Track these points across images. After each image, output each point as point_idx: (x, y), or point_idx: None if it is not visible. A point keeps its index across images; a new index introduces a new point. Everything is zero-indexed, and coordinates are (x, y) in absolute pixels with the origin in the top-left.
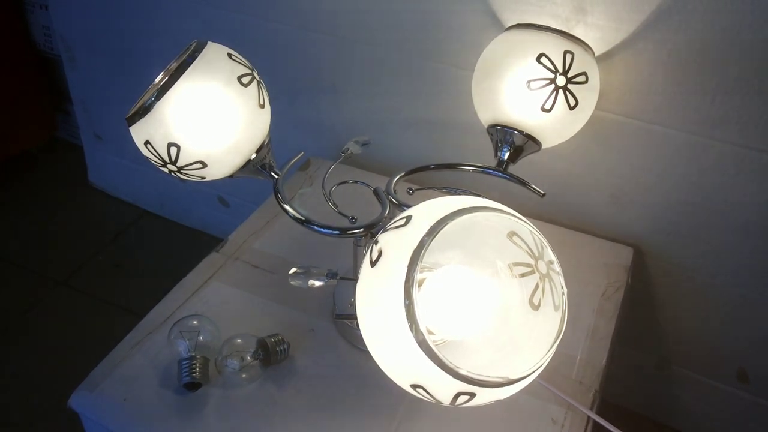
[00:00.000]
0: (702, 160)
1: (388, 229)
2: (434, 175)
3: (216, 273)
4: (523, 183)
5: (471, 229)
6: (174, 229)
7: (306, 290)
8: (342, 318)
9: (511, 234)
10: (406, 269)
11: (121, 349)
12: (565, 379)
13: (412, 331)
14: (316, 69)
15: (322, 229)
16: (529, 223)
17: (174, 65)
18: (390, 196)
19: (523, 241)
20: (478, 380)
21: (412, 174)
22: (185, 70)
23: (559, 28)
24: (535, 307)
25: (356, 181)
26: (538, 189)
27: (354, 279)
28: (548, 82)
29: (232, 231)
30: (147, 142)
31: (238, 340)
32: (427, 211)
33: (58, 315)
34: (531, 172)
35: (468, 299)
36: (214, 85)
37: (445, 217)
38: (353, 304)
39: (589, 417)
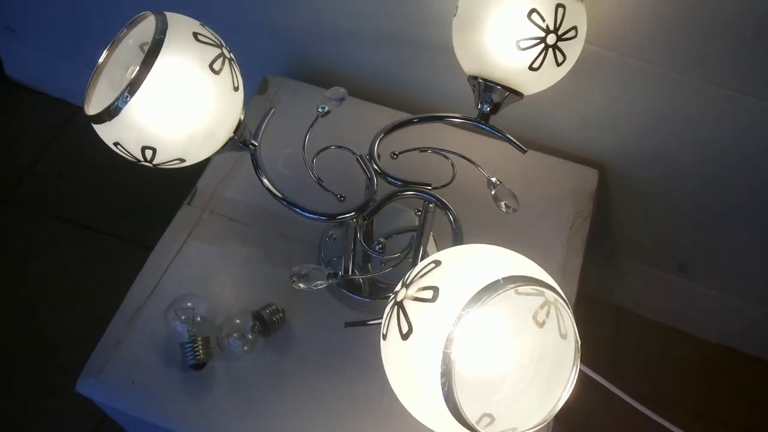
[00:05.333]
0: (676, 95)
1: (416, 298)
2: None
3: (193, 230)
4: (505, 138)
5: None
6: None
7: (289, 245)
8: (353, 325)
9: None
10: (441, 354)
11: (113, 328)
12: None
13: (450, 410)
14: None
15: (309, 215)
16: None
17: (126, 45)
18: (375, 164)
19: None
20: None
21: (395, 129)
22: (152, 64)
23: None
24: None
25: (339, 146)
26: (521, 145)
27: (355, 277)
28: (539, 41)
29: None
30: (117, 143)
31: (237, 320)
32: (454, 283)
33: (15, 240)
34: None
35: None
36: (186, 79)
37: (474, 298)
38: (339, 260)
39: None
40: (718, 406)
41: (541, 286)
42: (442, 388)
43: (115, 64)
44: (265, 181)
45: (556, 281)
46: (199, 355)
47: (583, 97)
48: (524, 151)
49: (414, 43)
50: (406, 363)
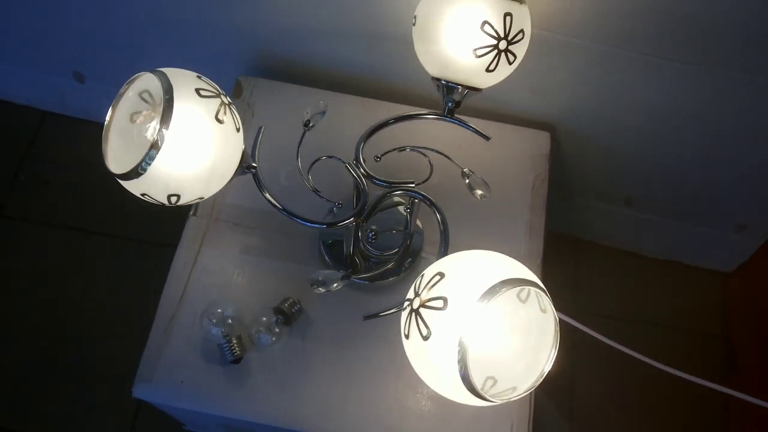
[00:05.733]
0: (612, 65)
1: (429, 307)
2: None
3: (204, 239)
4: (470, 128)
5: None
6: (88, 127)
7: (292, 241)
8: (370, 318)
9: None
10: (458, 357)
11: (154, 338)
12: None
13: (469, 390)
14: None
15: (311, 224)
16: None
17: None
18: (362, 169)
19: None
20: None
21: (376, 131)
22: (168, 125)
23: None
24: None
25: (330, 156)
26: (484, 133)
27: (364, 275)
28: (492, 48)
29: None
30: (144, 194)
31: (263, 318)
32: (459, 292)
33: (14, 253)
34: None
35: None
36: (197, 133)
37: (477, 302)
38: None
39: None
40: (672, 313)
41: (526, 284)
42: (460, 372)
43: (119, 115)
44: (268, 196)
45: (523, 241)
46: (236, 352)
47: (532, 72)
48: (488, 139)
49: (374, 35)
50: (428, 357)
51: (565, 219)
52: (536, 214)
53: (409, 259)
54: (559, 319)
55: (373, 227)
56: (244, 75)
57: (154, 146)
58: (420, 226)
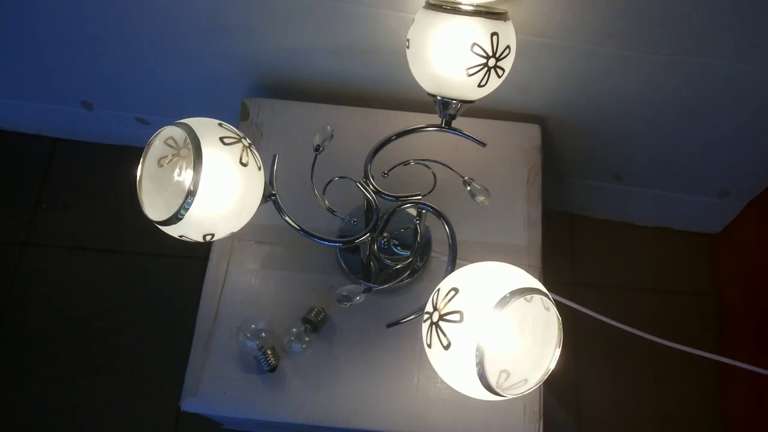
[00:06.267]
0: (593, 61)
1: (447, 320)
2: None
3: (230, 259)
4: (467, 136)
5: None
6: (98, 150)
7: (311, 253)
8: (393, 325)
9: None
10: (476, 360)
11: (195, 355)
12: (520, 267)
13: (488, 390)
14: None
15: (329, 243)
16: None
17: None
18: (372, 185)
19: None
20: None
21: (381, 148)
22: (199, 176)
23: (475, 3)
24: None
25: (342, 177)
26: (482, 141)
27: (382, 287)
28: (482, 66)
29: None
30: (182, 236)
31: (294, 329)
32: (473, 305)
33: (44, 278)
34: None
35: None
36: (225, 178)
37: (490, 314)
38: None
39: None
40: (665, 277)
41: (531, 293)
42: (478, 374)
43: (149, 162)
44: (288, 218)
45: (523, 232)
46: (271, 362)
47: (520, 73)
48: (484, 146)
49: (370, 49)
50: (449, 363)
51: (559, 198)
52: (533, 205)
53: (421, 261)
54: (560, 301)
55: (385, 235)
56: (249, 97)
57: (190, 194)
58: (427, 225)
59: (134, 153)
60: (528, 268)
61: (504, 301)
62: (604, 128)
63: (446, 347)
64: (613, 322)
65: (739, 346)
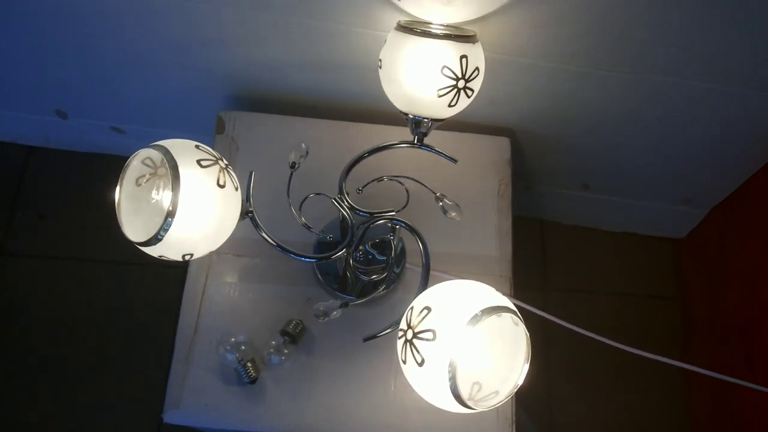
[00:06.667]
0: (557, 78)
1: (420, 338)
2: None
3: (209, 272)
4: (439, 153)
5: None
6: (75, 159)
7: (288, 265)
8: (370, 339)
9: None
10: (448, 375)
11: (176, 367)
12: (490, 278)
13: (461, 404)
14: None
15: (305, 259)
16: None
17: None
18: (347, 202)
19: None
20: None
21: (354, 164)
22: (177, 198)
23: (445, 24)
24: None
25: (318, 194)
26: (453, 157)
27: (357, 301)
28: (452, 88)
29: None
30: (161, 256)
31: (273, 341)
32: (445, 324)
33: (20, 287)
34: None
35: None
36: (203, 200)
37: (461, 332)
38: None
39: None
40: (632, 281)
41: (501, 311)
42: (451, 389)
43: (127, 182)
44: (264, 235)
45: (494, 243)
46: (251, 374)
47: (489, 88)
48: (455, 162)
49: (344, 65)
50: (423, 378)
51: (529, 205)
52: (504, 216)
53: (396, 271)
54: (529, 311)
55: (360, 248)
56: (224, 110)
57: (170, 215)
58: (401, 237)
59: (110, 161)
60: (499, 278)
61: (475, 320)
62: (572, 140)
63: (420, 364)
64: (581, 331)
65: (704, 348)
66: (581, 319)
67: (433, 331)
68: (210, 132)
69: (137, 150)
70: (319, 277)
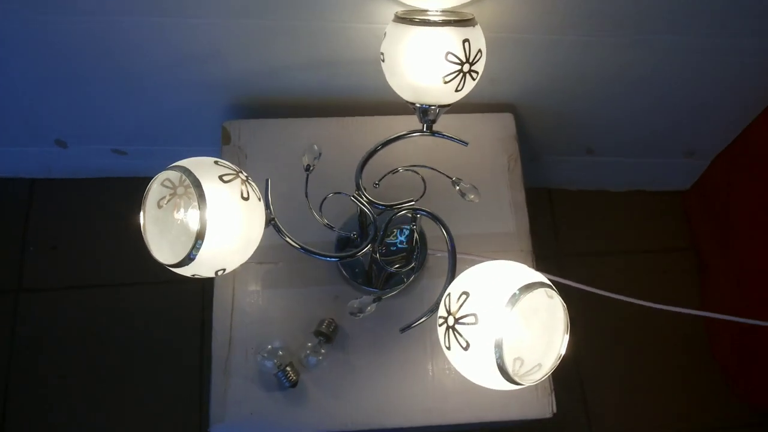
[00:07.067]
0: (557, 49)
1: (463, 323)
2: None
3: (235, 283)
4: (450, 138)
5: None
6: (79, 186)
7: (311, 267)
8: (406, 329)
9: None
10: (495, 356)
11: (216, 381)
12: (511, 254)
13: (509, 381)
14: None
15: (331, 259)
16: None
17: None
18: (365, 197)
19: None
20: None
21: (368, 159)
22: (205, 216)
23: (441, 10)
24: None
25: (337, 193)
26: (463, 141)
27: (387, 295)
28: (457, 73)
29: (140, 173)
30: (194, 275)
31: (309, 343)
32: (485, 306)
33: (44, 321)
34: None
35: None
36: (230, 214)
37: (503, 312)
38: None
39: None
40: (644, 237)
41: (536, 287)
42: (499, 367)
43: (150, 206)
44: (288, 239)
45: (511, 218)
46: (291, 378)
47: (490, 67)
48: (466, 144)
49: (340, 62)
50: (470, 362)
51: (536, 175)
52: (516, 191)
53: (419, 259)
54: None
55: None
56: (227, 119)
57: (200, 236)
58: (421, 225)
59: (114, 183)
60: (520, 253)
61: (514, 299)
62: (573, 108)
63: (465, 348)
64: (606, 293)
65: (721, 291)
66: (598, 280)
67: (475, 315)
68: (213, 143)
69: (141, 169)
70: (345, 273)
